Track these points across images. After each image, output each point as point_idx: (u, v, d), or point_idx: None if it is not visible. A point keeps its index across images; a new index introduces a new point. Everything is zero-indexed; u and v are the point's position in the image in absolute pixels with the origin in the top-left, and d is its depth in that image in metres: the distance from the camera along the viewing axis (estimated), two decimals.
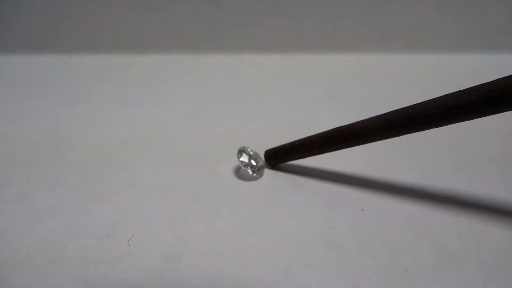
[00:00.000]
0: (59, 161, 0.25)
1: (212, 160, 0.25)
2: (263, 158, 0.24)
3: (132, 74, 0.40)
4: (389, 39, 0.44)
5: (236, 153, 0.23)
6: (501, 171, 0.23)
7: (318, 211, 0.20)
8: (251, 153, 0.23)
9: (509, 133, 0.28)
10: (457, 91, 0.16)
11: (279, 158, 0.23)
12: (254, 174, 0.22)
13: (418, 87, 0.36)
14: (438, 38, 0.44)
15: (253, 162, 0.23)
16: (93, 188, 0.22)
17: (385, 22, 0.43)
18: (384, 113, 0.18)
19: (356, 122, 0.19)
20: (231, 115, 0.32)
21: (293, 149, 0.22)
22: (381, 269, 0.16)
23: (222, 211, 0.20)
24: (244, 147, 0.23)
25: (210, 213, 0.20)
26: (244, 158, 0.22)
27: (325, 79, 0.39)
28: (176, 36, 0.43)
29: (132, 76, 0.39)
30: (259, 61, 0.43)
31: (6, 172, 0.23)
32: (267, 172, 0.23)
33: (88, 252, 0.17)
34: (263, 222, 0.19)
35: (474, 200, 0.21)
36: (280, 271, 0.16)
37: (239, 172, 0.23)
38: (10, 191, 0.22)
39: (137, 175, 0.23)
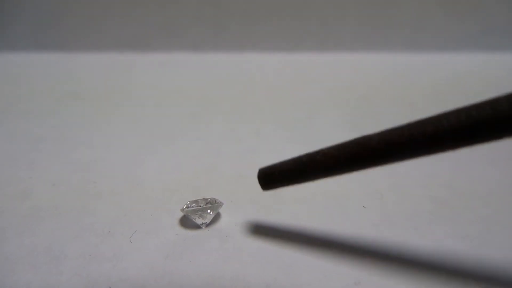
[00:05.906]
0: (62, 159, 0.25)
1: (212, 159, 0.25)
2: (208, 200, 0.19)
3: (133, 72, 0.40)
4: (390, 38, 0.44)
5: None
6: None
7: (320, 208, 0.20)
8: (194, 206, 0.19)
9: None
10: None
11: (277, 181, 0.17)
12: (202, 220, 0.19)
13: (418, 86, 0.36)
14: (439, 38, 0.44)
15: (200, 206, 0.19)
16: (95, 186, 0.22)
17: (386, 21, 0.43)
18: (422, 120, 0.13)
19: (386, 130, 0.13)
20: (232, 114, 0.32)
21: (296, 170, 0.15)
22: (383, 266, 0.16)
23: (224, 209, 0.20)
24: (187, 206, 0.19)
25: None
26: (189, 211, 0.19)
27: (325, 77, 0.39)
28: (178, 34, 0.43)
29: (134, 75, 0.39)
30: (260, 60, 0.43)
31: (9, 170, 0.24)
32: None
33: (90, 249, 0.17)
34: (266, 220, 0.19)
35: (474, 197, 0.21)
36: (282, 269, 0.16)
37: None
38: (13, 189, 0.22)
39: (138, 173, 0.23)
